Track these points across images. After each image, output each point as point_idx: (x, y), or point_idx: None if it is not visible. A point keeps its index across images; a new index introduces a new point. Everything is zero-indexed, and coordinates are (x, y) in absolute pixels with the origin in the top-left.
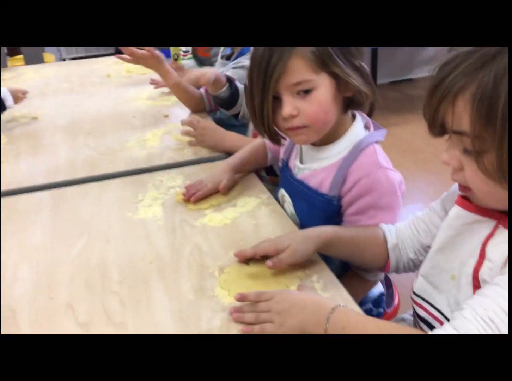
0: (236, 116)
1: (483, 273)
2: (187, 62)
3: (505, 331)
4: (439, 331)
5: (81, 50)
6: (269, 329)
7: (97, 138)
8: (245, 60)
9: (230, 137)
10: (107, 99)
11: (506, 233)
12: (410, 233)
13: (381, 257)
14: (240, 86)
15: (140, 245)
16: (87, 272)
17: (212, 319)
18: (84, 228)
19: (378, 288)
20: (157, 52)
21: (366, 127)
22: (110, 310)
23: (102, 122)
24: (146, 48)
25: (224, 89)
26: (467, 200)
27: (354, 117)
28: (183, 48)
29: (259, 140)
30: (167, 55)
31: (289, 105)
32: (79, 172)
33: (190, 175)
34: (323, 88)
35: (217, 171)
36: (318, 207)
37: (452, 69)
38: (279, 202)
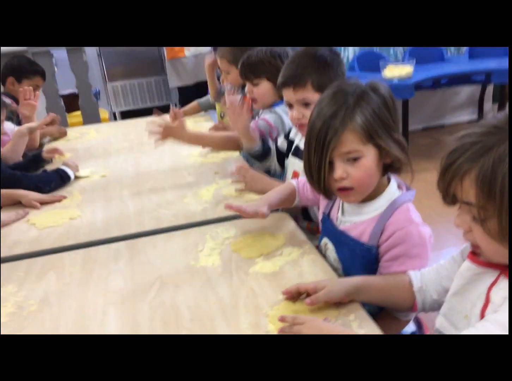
0: (268, 172)
1: (488, 313)
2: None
3: None
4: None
5: (128, 103)
6: None
7: (159, 193)
8: (278, 108)
9: (275, 184)
10: (164, 157)
11: (506, 280)
12: (434, 277)
13: (408, 299)
14: (272, 146)
15: (203, 289)
16: (163, 313)
17: None
18: (157, 275)
19: (410, 327)
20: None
21: (399, 187)
22: None
23: (161, 178)
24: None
25: (257, 148)
26: (475, 255)
27: (389, 179)
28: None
29: (291, 183)
30: (213, 114)
31: (341, 169)
32: (147, 225)
33: (242, 226)
34: (369, 156)
35: (258, 202)
36: (358, 255)
37: (460, 155)
38: (320, 249)
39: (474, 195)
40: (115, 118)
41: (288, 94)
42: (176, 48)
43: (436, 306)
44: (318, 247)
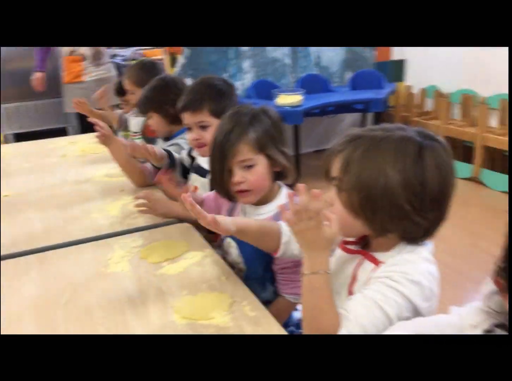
0: None
1: (355, 289)
2: (138, 141)
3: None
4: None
5: (23, 125)
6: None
7: (65, 210)
8: (179, 139)
9: (178, 207)
10: (68, 177)
11: (369, 262)
12: None
13: (275, 246)
14: (177, 156)
15: (114, 291)
16: (77, 313)
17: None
18: (68, 281)
19: (300, 314)
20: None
21: (287, 196)
22: (99, 331)
23: (67, 197)
24: (99, 126)
25: (165, 162)
26: (345, 244)
27: (279, 186)
28: (133, 129)
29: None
30: None
31: (238, 175)
32: (55, 239)
33: (149, 237)
34: (261, 164)
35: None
36: (258, 250)
37: (336, 144)
38: (223, 248)
39: (337, 170)
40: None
41: (187, 117)
42: (75, 72)
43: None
44: (220, 247)
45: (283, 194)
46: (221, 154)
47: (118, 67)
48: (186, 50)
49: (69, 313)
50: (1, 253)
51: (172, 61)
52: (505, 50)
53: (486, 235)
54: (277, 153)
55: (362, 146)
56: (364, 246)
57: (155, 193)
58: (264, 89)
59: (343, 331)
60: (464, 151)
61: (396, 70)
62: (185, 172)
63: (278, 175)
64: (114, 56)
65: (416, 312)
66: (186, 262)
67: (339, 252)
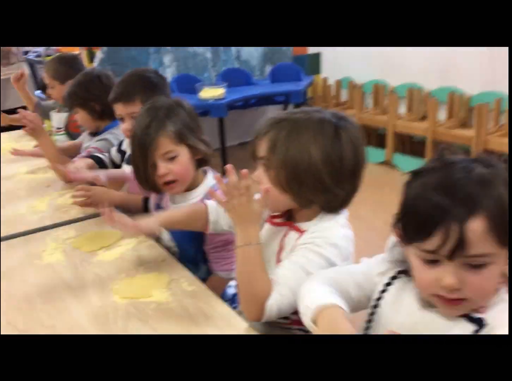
0: None
1: (283, 257)
2: (61, 137)
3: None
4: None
5: None
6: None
7: None
8: (107, 134)
9: (121, 195)
10: None
11: (294, 231)
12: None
13: (204, 227)
14: (104, 156)
15: (51, 279)
16: (15, 302)
17: (116, 317)
18: (5, 274)
19: (233, 290)
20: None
21: (215, 178)
22: (42, 318)
23: None
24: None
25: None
26: (272, 218)
27: (205, 172)
28: (56, 125)
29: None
30: None
31: (163, 168)
32: None
33: (80, 228)
34: (183, 154)
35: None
36: (188, 232)
37: (261, 126)
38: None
39: (265, 149)
40: None
41: (120, 108)
42: None
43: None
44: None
45: (210, 178)
46: (143, 149)
47: (31, 64)
48: None
49: (8, 303)
50: None
51: (90, 56)
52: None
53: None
54: (196, 142)
55: (286, 128)
56: (288, 218)
57: (92, 187)
58: (186, 83)
59: (275, 294)
60: (377, 137)
61: (313, 63)
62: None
63: (201, 162)
64: (27, 53)
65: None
66: (121, 249)
67: (267, 226)
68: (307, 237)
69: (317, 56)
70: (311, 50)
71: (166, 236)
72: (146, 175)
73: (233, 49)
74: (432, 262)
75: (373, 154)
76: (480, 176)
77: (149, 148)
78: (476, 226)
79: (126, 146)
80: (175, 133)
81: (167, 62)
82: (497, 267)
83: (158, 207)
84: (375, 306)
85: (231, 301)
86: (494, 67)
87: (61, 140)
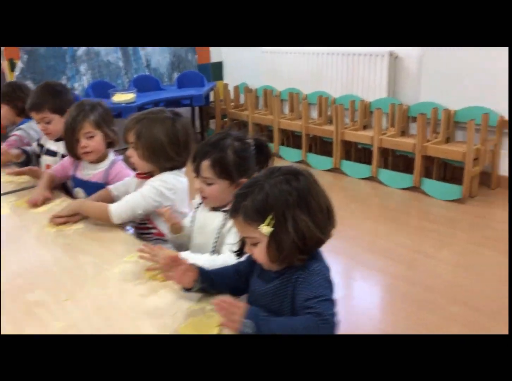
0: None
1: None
2: None
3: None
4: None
5: None
6: None
7: None
8: (23, 126)
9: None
10: None
11: (144, 181)
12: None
13: (108, 218)
14: (30, 149)
15: None
16: None
17: None
18: None
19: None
20: None
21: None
22: None
23: None
24: None
25: (22, 159)
26: (138, 174)
27: (108, 153)
28: None
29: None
30: None
31: (84, 142)
32: None
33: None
34: (98, 135)
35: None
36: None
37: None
38: (74, 195)
39: (133, 138)
40: None
41: (34, 115)
42: None
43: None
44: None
45: (111, 157)
46: (72, 129)
47: None
48: (23, 56)
49: None
50: None
51: (11, 66)
52: (293, 53)
53: (346, 216)
54: (108, 130)
55: (144, 122)
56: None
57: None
58: (101, 89)
59: (115, 204)
60: (268, 133)
61: (215, 70)
62: (37, 159)
63: (109, 144)
64: None
65: (162, 195)
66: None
67: (136, 180)
68: (152, 180)
69: (219, 64)
70: (214, 59)
71: (82, 196)
72: (72, 147)
73: (143, 58)
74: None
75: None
76: (216, 141)
77: (76, 128)
78: (205, 163)
79: (45, 141)
80: (94, 121)
81: (83, 70)
82: (218, 185)
83: (74, 176)
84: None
85: None
86: (428, 79)
87: None
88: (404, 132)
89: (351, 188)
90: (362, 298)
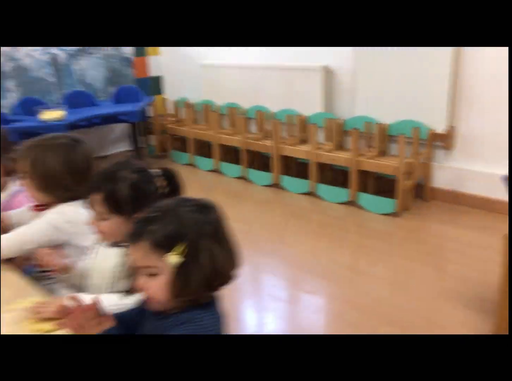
0: None
1: None
2: None
3: None
4: None
5: None
6: None
7: None
8: None
9: None
10: None
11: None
12: None
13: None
14: None
15: None
16: None
17: None
18: None
19: None
20: None
21: None
22: None
23: None
24: None
25: None
26: (36, 206)
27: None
28: None
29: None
30: None
31: None
32: None
33: None
34: None
35: None
36: None
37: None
38: None
39: (27, 167)
40: None
41: None
42: None
43: None
44: None
45: (13, 188)
46: None
47: None
48: None
49: None
50: None
51: None
52: (232, 67)
53: (284, 234)
54: (6, 160)
55: (40, 151)
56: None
57: None
58: (30, 106)
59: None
60: (208, 147)
61: (154, 85)
62: None
63: (9, 173)
64: None
65: (58, 230)
66: None
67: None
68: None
69: (157, 78)
70: (153, 73)
71: None
72: None
73: (76, 73)
74: None
75: (203, 162)
76: (110, 173)
77: None
78: (97, 197)
79: None
80: None
81: (11, 86)
82: (112, 221)
83: None
84: None
85: None
86: (362, 94)
87: None
88: (341, 146)
89: (290, 204)
90: (294, 322)
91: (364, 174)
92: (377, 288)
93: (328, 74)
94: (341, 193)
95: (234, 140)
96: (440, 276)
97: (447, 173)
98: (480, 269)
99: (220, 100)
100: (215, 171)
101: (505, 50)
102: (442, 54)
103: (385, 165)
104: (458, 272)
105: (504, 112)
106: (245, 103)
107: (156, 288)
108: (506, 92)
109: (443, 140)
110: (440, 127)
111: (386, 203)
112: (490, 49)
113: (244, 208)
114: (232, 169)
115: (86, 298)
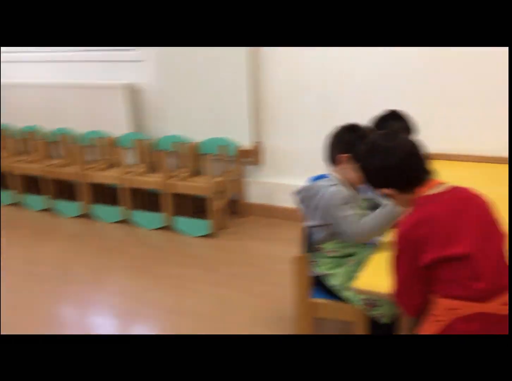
0: None
1: None
2: None
3: None
4: None
5: None
6: None
7: None
8: None
9: None
10: None
11: None
12: None
13: None
14: None
15: None
16: None
17: None
18: None
19: None
20: None
21: None
22: None
23: None
24: None
25: None
26: None
27: None
28: None
29: None
30: None
31: None
32: None
33: None
34: None
35: None
36: None
37: None
38: None
39: None
40: None
41: None
42: None
43: None
44: None
45: None
46: None
47: None
48: None
49: None
50: None
51: None
52: (30, 87)
53: (97, 270)
54: None
55: None
56: None
57: None
58: None
59: None
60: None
61: None
62: None
63: None
64: None
65: None
66: None
67: None
68: None
69: None
70: None
71: None
72: None
73: None
74: None
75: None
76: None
77: None
78: None
79: None
80: None
81: None
82: None
83: None
84: None
85: None
86: (172, 113)
87: None
88: (154, 168)
89: (104, 235)
90: None
91: (179, 196)
92: (198, 327)
93: (134, 92)
94: (156, 218)
95: (33, 169)
96: (255, 301)
97: (259, 188)
98: (285, 284)
99: (20, 123)
100: (14, 204)
101: (301, 55)
102: (239, 68)
103: (194, 186)
104: (266, 294)
105: (301, 126)
106: (49, 125)
107: None
108: (303, 104)
109: (251, 156)
110: (246, 143)
111: (201, 225)
112: (286, 58)
113: (51, 247)
114: (35, 200)
115: None
